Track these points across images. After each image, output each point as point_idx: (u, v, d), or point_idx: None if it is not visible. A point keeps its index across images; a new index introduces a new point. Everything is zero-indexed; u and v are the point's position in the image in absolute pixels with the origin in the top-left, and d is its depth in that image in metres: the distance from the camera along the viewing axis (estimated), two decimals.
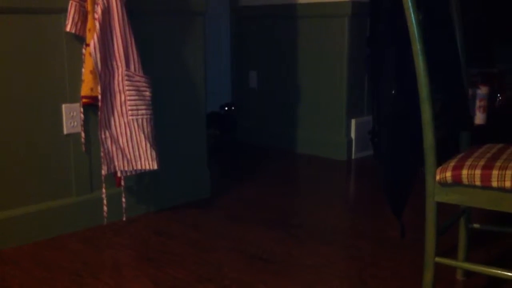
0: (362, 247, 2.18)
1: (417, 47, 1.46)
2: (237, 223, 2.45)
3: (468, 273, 1.86)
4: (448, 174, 1.46)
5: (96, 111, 2.21)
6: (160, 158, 2.30)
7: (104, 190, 2.28)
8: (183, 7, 2.57)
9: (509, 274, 1.44)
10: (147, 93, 2.23)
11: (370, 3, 3.15)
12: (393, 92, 1.90)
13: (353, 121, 3.56)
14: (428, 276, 1.56)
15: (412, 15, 1.45)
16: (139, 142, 2.22)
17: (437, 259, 1.54)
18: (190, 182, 2.73)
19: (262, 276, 1.90)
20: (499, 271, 1.46)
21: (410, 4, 1.44)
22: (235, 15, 4.12)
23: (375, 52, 2.87)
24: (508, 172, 1.37)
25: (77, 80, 2.23)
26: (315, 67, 3.63)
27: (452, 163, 1.48)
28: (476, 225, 1.84)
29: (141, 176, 2.46)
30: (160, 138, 2.38)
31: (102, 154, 2.20)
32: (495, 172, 1.38)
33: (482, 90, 2.64)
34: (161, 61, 2.52)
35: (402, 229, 1.95)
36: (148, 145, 2.22)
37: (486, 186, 1.41)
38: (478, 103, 2.63)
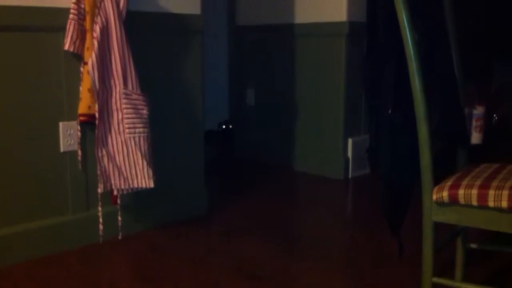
0: (360, 264, 2.17)
1: (413, 66, 1.47)
2: (234, 240, 2.44)
3: None
4: (445, 193, 1.46)
5: (93, 129, 2.21)
6: (157, 175, 2.29)
7: (100, 208, 2.27)
8: (180, 25, 2.59)
9: None
10: (145, 111, 2.24)
11: (367, 22, 3.18)
12: (390, 111, 1.91)
13: (350, 140, 3.57)
14: None
15: (408, 34, 1.46)
16: (136, 160, 2.22)
17: (435, 279, 1.54)
18: (187, 199, 2.72)
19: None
20: None
21: (406, 24, 1.45)
22: (233, 34, 4.15)
23: (372, 70, 2.89)
24: (505, 192, 1.37)
25: (75, 98, 2.23)
26: (313, 86, 3.64)
27: (449, 183, 1.48)
28: (473, 245, 1.83)
29: (138, 193, 2.45)
30: (157, 155, 2.38)
31: (98, 172, 2.19)
32: (491, 192, 1.38)
33: (478, 110, 2.65)
34: (159, 79, 2.53)
35: (400, 247, 1.95)
36: (145, 163, 2.22)
37: (483, 206, 1.41)
38: (474, 123, 2.64)
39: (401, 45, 1.48)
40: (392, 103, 1.97)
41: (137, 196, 2.48)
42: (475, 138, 2.64)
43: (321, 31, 3.53)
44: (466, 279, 1.85)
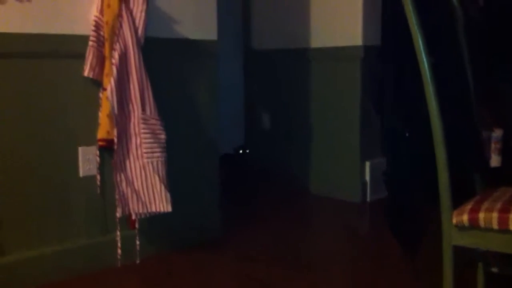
0: None
1: (430, 90, 1.47)
2: (248, 264, 2.43)
3: None
4: (465, 217, 1.45)
5: (111, 154, 2.23)
6: (173, 199, 2.30)
7: (118, 233, 2.28)
8: (196, 51, 2.62)
9: None
10: (162, 136, 2.25)
11: (382, 47, 3.18)
12: (406, 134, 1.91)
13: (367, 163, 3.55)
14: None
15: (424, 58, 1.46)
16: (153, 184, 2.23)
17: None
18: (202, 223, 2.72)
19: None
20: None
21: (422, 48, 1.46)
22: (248, 58, 4.18)
23: (387, 92, 2.89)
24: None
25: (94, 123, 2.26)
26: (328, 109, 3.65)
27: (469, 206, 1.47)
28: (494, 269, 1.81)
29: (154, 217, 2.46)
30: (172, 179, 2.38)
31: (117, 196, 2.21)
32: None
33: (497, 133, 2.63)
34: (175, 103, 2.56)
35: (416, 271, 1.93)
36: (163, 187, 2.23)
37: (503, 230, 1.39)
38: (493, 146, 2.62)
39: (417, 68, 1.49)
40: (409, 126, 1.97)
41: (153, 220, 2.48)
42: (494, 161, 2.61)
43: (336, 55, 3.55)
44: None
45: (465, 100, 1.77)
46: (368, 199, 3.55)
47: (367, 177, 3.55)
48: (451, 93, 1.69)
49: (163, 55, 2.49)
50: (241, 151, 3.93)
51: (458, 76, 1.78)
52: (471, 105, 1.78)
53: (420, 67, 1.48)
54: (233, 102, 4.32)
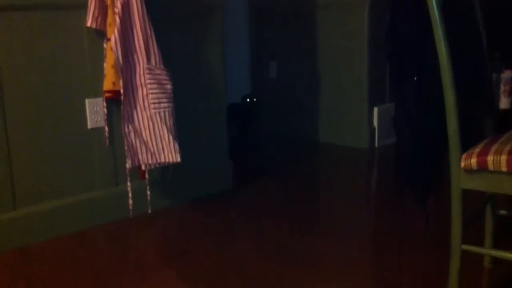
0: (385, 240, 2.16)
1: (439, 31, 1.44)
2: (259, 217, 2.45)
3: (495, 260, 1.84)
4: (474, 160, 1.44)
5: (118, 105, 2.23)
6: (183, 151, 2.31)
7: (129, 184, 2.30)
8: (202, 0, 2.57)
9: None
10: (169, 86, 2.24)
11: None
12: (415, 78, 1.89)
13: (375, 109, 3.53)
14: (455, 264, 1.54)
15: (434, 1, 1.43)
16: (162, 135, 2.23)
17: (464, 246, 1.52)
18: (212, 174, 2.74)
19: (285, 273, 1.89)
20: None
21: None
22: (254, 6, 4.11)
23: (397, 38, 2.84)
24: None
25: (99, 74, 2.25)
26: (336, 56, 3.60)
27: (477, 149, 1.46)
28: (503, 212, 1.81)
29: (165, 169, 2.48)
30: (181, 131, 2.39)
31: (126, 147, 2.21)
32: None
33: (506, 74, 2.60)
34: (181, 54, 2.53)
35: (427, 217, 1.94)
36: (171, 137, 2.24)
37: None
38: (502, 87, 2.59)
39: (426, 12, 1.45)
40: (418, 71, 1.94)
41: (164, 172, 2.50)
42: (504, 103, 2.59)
43: (342, 0, 3.48)
44: (495, 246, 1.84)
45: (475, 42, 1.74)
46: (376, 145, 3.55)
47: (375, 123, 3.54)
48: (461, 36, 1.66)
49: (167, 5, 2.44)
50: (248, 100, 3.91)
51: (469, 17, 1.74)
52: (482, 47, 1.74)
53: (429, 9, 1.44)
54: (240, 52, 4.27)
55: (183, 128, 2.45)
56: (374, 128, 3.54)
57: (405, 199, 2.22)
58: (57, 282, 1.86)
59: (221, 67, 2.71)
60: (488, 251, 1.75)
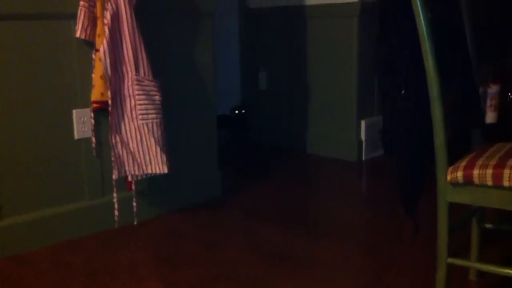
0: (377, 244, 2.18)
1: (426, 45, 1.46)
2: (251, 222, 2.46)
3: (481, 273, 1.85)
4: (459, 174, 1.45)
5: (106, 115, 2.22)
6: (172, 161, 2.30)
7: (115, 194, 2.29)
8: (191, 9, 2.58)
9: None
10: (157, 97, 2.24)
11: (379, 2, 3.13)
12: (402, 92, 1.90)
13: (363, 122, 3.55)
14: (441, 276, 1.55)
15: (421, 13, 1.44)
16: (149, 146, 2.23)
17: (450, 259, 1.53)
18: (201, 183, 2.73)
19: (278, 274, 1.91)
20: None
21: (419, 2, 1.44)
22: (244, 16, 4.12)
23: (386, 51, 2.87)
24: None
25: (88, 85, 2.24)
26: (325, 68, 3.62)
27: (463, 163, 1.47)
28: (488, 225, 1.82)
29: (153, 179, 2.47)
30: (171, 140, 2.39)
31: (112, 158, 2.21)
32: (506, 172, 1.37)
33: (493, 89, 2.62)
34: (170, 63, 2.53)
35: (415, 227, 1.95)
36: (158, 149, 2.23)
37: (498, 186, 1.40)
38: (489, 102, 2.61)
39: (415, 25, 1.47)
40: (406, 84, 1.96)
41: (152, 182, 2.49)
42: (490, 117, 2.61)
43: (333, 12, 3.50)
44: (481, 259, 1.85)
45: (463, 56, 1.76)
46: (363, 158, 3.57)
47: (363, 136, 3.56)
48: (449, 50, 1.68)
49: (157, 14, 2.45)
50: (237, 112, 3.92)
51: (456, 31, 1.75)
52: (469, 61, 1.76)
53: (417, 22, 1.46)
54: (230, 62, 4.28)
55: (173, 138, 2.45)
56: (362, 141, 3.56)
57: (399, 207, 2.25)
58: (50, 284, 1.86)
59: (211, 78, 2.71)
60: (474, 264, 1.76)
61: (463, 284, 1.84)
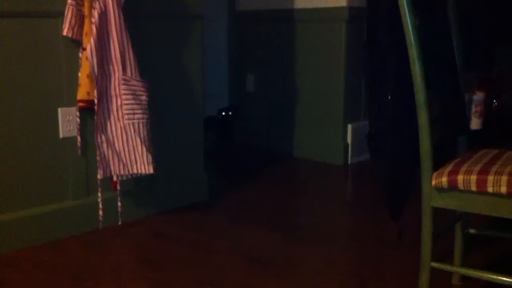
0: (362, 249, 2.18)
1: (413, 52, 1.47)
2: (237, 225, 2.45)
3: (464, 278, 1.87)
4: (444, 179, 1.46)
5: (92, 115, 2.21)
6: (158, 162, 2.29)
7: (100, 194, 2.27)
8: (181, 11, 2.58)
9: (505, 279, 1.44)
10: (144, 97, 2.23)
11: (367, 8, 3.15)
12: (389, 97, 1.91)
13: (349, 126, 3.56)
14: (424, 280, 1.56)
15: (409, 20, 1.45)
16: (135, 146, 2.21)
17: (433, 263, 1.54)
18: (188, 185, 2.72)
19: (263, 278, 1.91)
20: (495, 276, 1.46)
21: (406, 9, 1.45)
22: (232, 19, 4.13)
23: (373, 56, 2.88)
24: (504, 177, 1.37)
25: (74, 84, 2.22)
26: (313, 71, 3.63)
27: (448, 168, 1.48)
28: (472, 230, 1.84)
29: (139, 179, 2.46)
30: (157, 141, 2.38)
31: (98, 158, 2.19)
32: (490, 178, 1.39)
33: (478, 96, 2.65)
34: (159, 65, 2.53)
35: (399, 232, 1.96)
36: (144, 149, 2.22)
37: (482, 192, 1.41)
38: (474, 108, 2.64)
39: (402, 31, 1.48)
40: (392, 90, 1.97)
41: (138, 182, 2.48)
42: (475, 123, 2.64)
43: (321, 16, 3.51)
44: (465, 264, 1.87)
45: (449, 63, 1.77)
46: (349, 162, 3.58)
47: (349, 140, 3.57)
48: (436, 57, 1.69)
49: (146, 15, 2.44)
50: (224, 113, 3.91)
51: (443, 38, 1.77)
52: (456, 68, 1.78)
53: (404, 29, 1.47)
54: (218, 64, 4.28)
55: (159, 138, 2.44)
56: (348, 145, 3.57)
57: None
58: (33, 286, 1.84)
59: (199, 79, 2.71)
60: (457, 269, 1.77)
61: None
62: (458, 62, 1.78)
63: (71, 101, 2.24)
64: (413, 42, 1.46)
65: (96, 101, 2.15)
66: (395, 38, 1.79)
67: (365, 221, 2.52)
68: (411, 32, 1.46)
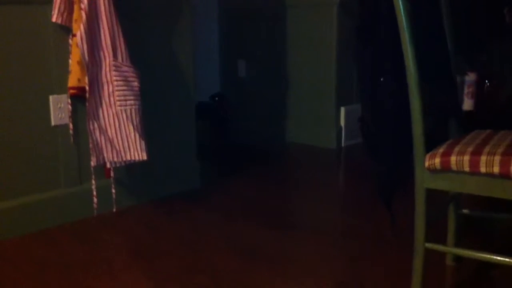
0: (356, 241, 2.17)
1: (405, 36, 1.46)
2: (229, 215, 2.44)
3: (458, 258, 1.88)
4: (437, 160, 1.47)
5: (84, 102, 2.19)
6: (150, 149, 2.29)
7: (93, 182, 2.27)
8: None
9: (498, 258, 1.45)
10: (135, 83, 2.21)
11: None
12: (381, 79, 1.90)
13: (342, 109, 3.56)
14: (418, 262, 1.57)
15: (401, 4, 1.45)
16: (128, 133, 2.20)
17: (427, 244, 1.55)
18: (180, 172, 2.72)
19: (254, 270, 1.89)
20: (488, 256, 1.47)
21: None
22: (223, 4, 4.10)
23: (364, 39, 2.87)
24: (497, 157, 1.38)
25: (65, 71, 2.21)
26: (304, 56, 3.62)
27: (441, 150, 1.49)
28: (465, 211, 1.85)
29: (131, 167, 2.45)
30: (149, 129, 2.37)
31: (91, 145, 2.18)
32: (483, 158, 1.39)
33: (470, 77, 2.65)
34: (149, 51, 2.51)
35: (392, 218, 1.96)
36: (137, 135, 2.21)
37: (474, 172, 1.41)
38: (466, 89, 2.64)
39: (394, 14, 1.47)
40: (384, 72, 1.96)
41: (130, 170, 2.47)
42: (467, 104, 2.64)
43: (311, 0, 3.49)
44: (458, 244, 1.88)
45: (441, 46, 1.77)
46: (343, 145, 3.58)
47: (342, 123, 3.57)
48: (427, 39, 1.68)
49: (139, 3, 2.41)
50: (216, 99, 3.90)
51: (434, 22, 1.76)
52: (447, 51, 1.78)
53: (396, 12, 1.46)
54: (209, 49, 4.26)
55: (151, 126, 2.43)
56: (341, 128, 3.58)
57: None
58: (23, 277, 1.83)
59: (191, 65, 2.69)
60: (451, 249, 1.78)
61: (440, 269, 1.86)
62: (450, 46, 1.78)
63: (62, 88, 2.22)
64: (404, 26, 1.46)
65: (87, 88, 2.13)
66: (387, 21, 1.78)
67: (358, 211, 2.51)
68: (403, 16, 1.45)
